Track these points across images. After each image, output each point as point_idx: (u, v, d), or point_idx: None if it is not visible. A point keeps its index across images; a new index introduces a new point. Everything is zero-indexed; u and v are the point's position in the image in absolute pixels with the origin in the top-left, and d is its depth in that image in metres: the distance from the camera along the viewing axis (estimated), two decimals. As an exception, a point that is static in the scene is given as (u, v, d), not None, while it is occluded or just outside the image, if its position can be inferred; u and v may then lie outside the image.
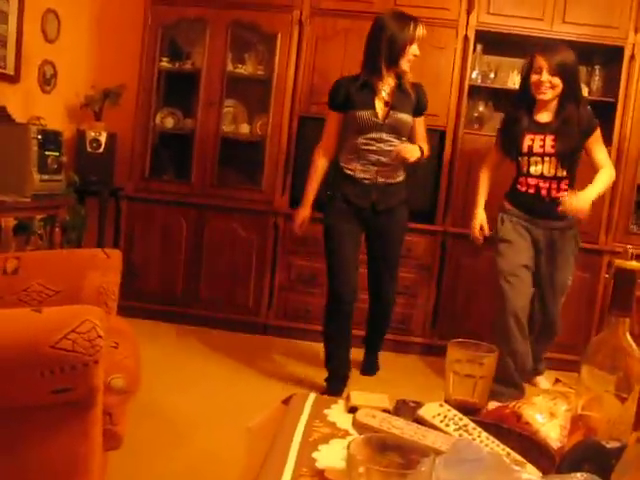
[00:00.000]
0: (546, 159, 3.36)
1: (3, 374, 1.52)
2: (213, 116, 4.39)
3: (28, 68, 4.21)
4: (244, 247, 4.33)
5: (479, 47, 4.35)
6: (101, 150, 4.41)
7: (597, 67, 4.37)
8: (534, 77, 3.33)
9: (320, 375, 3.66)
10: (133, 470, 2.43)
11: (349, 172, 3.41)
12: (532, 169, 3.39)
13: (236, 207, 4.32)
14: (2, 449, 1.60)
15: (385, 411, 1.41)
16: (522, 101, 3.45)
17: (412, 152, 3.37)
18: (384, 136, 3.35)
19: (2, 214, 3.42)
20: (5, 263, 2.33)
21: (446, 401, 1.35)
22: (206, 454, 2.67)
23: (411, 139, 3.50)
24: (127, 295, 3.87)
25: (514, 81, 4.39)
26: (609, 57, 4.30)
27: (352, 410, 1.42)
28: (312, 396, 1.49)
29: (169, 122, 4.56)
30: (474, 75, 4.36)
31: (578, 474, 0.93)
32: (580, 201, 3.25)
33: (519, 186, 3.46)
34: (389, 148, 3.36)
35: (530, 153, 3.38)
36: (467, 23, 4.21)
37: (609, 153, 4.16)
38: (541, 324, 3.70)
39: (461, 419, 1.22)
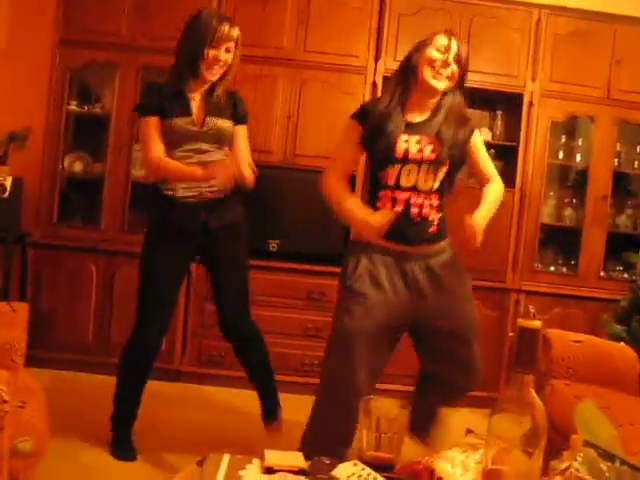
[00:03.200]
0: (423, 167, 2.59)
1: None
2: (123, 160, 4.33)
3: None
4: (156, 293, 4.26)
5: (387, 92, 4.46)
6: (6, 195, 4.27)
7: (499, 113, 4.56)
8: (434, 54, 2.60)
9: (237, 423, 3.63)
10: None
11: (169, 193, 2.94)
12: (403, 179, 2.61)
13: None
14: None
15: (300, 470, 1.42)
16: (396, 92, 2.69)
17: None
18: (204, 146, 2.92)
19: None
20: None
21: (360, 458, 1.36)
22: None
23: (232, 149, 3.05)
24: (36, 345, 3.75)
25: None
26: (510, 103, 4.50)
27: (267, 470, 1.42)
28: (226, 457, 1.47)
29: (78, 166, 4.47)
30: (383, 120, 4.45)
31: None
32: (478, 225, 2.58)
33: (379, 203, 2.65)
34: (211, 159, 2.91)
35: (405, 159, 2.59)
36: (375, 69, 4.33)
37: (512, 196, 4.38)
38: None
39: (375, 478, 1.24)
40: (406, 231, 2.60)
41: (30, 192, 4.39)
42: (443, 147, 2.59)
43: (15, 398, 1.86)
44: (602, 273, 4.49)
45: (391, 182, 2.61)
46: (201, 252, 3.10)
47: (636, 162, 4.62)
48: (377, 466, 1.32)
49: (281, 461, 1.43)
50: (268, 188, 4.15)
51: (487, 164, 2.81)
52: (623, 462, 1.00)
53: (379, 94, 4.32)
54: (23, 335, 2.40)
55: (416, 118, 2.66)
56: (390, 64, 4.30)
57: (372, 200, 2.68)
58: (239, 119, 3.07)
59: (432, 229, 2.64)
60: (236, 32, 2.91)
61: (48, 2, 4.35)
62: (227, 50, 2.91)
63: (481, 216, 2.62)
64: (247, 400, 4.03)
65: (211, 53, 2.86)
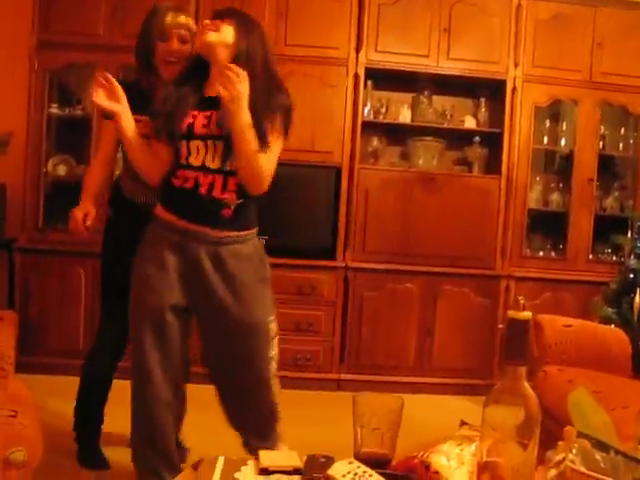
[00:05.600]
0: (210, 144, 2.37)
1: None
2: (107, 161, 4.30)
3: None
4: (146, 294, 4.23)
5: (369, 83, 4.45)
6: (-10, 201, 4.25)
7: (483, 100, 4.56)
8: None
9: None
10: None
11: (127, 195, 2.85)
12: (192, 158, 2.38)
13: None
14: None
15: (296, 470, 1.41)
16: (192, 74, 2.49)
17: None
18: None
19: None
20: None
21: (355, 455, 1.36)
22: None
23: None
24: (26, 351, 3.74)
25: (405, 115, 4.52)
26: (493, 90, 4.50)
27: (263, 471, 1.41)
28: (221, 459, 1.46)
29: (62, 169, 4.44)
30: (366, 111, 4.45)
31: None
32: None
33: (174, 180, 2.42)
34: None
35: (190, 135, 2.38)
36: (357, 61, 4.31)
37: (499, 182, 4.39)
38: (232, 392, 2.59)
39: (371, 475, 1.23)
40: (193, 208, 2.39)
41: (14, 197, 4.36)
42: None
43: (6, 407, 1.84)
44: (591, 256, 4.51)
45: (182, 160, 2.41)
46: None
47: (621, 144, 4.63)
48: (373, 462, 1.31)
49: (276, 461, 1.42)
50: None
51: None
52: (618, 452, 0.99)
53: (361, 85, 4.32)
54: (11, 343, 2.37)
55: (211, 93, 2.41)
56: (371, 55, 4.30)
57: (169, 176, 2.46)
58: None
59: (226, 212, 2.40)
60: (183, 19, 2.65)
61: (25, 5, 4.30)
62: (182, 40, 2.63)
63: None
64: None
65: (162, 47, 2.62)
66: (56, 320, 4.25)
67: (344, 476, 1.21)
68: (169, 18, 2.63)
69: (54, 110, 4.42)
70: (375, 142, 4.58)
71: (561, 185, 4.63)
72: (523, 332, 1.13)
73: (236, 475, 1.40)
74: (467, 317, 4.38)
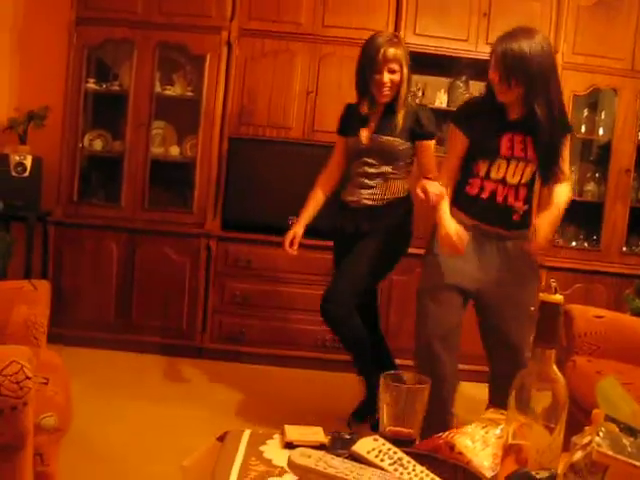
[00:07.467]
0: (512, 163, 2.71)
1: None
2: (142, 138, 4.34)
3: (-52, 91, 4.09)
4: (176, 270, 4.26)
5: (406, 67, 4.42)
6: (26, 174, 4.30)
7: (520, 86, 4.49)
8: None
9: (257, 398, 3.65)
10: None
11: (342, 197, 3.35)
12: (493, 173, 2.74)
13: (167, 230, 4.26)
14: None
15: (321, 445, 1.42)
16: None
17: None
18: (369, 160, 3.22)
19: None
20: None
21: (380, 433, 1.36)
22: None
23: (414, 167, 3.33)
24: (58, 323, 3.79)
25: (441, 100, 4.49)
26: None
27: (288, 445, 1.42)
28: (247, 432, 1.48)
29: (97, 144, 4.48)
30: (402, 94, 4.42)
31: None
32: (543, 239, 2.64)
33: (468, 188, 2.81)
34: (374, 171, 3.22)
35: (496, 154, 2.72)
36: (394, 44, 4.27)
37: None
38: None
39: (395, 452, 1.23)
40: (489, 214, 2.79)
41: (50, 171, 4.41)
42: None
43: (38, 374, 1.87)
44: (624, 248, 4.45)
45: (482, 173, 2.78)
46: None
47: (660, 135, 4.54)
48: (397, 441, 1.31)
49: (302, 436, 1.43)
50: (287, 164, 4.16)
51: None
52: (646, 437, 0.99)
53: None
54: (45, 312, 2.41)
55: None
56: (410, 38, 4.26)
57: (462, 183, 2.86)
58: (420, 135, 3.21)
59: (516, 217, 2.79)
60: (392, 52, 3.10)
61: (65, -19, 4.34)
62: (391, 71, 3.11)
63: (547, 227, 2.70)
64: (267, 376, 4.08)
65: (376, 77, 3.12)
66: (88, 293, 4.31)
67: (369, 452, 1.22)
68: (381, 53, 3.09)
69: (91, 85, 4.45)
70: (410, 126, 4.54)
71: (597, 175, 4.56)
72: (554, 315, 1.13)
73: (261, 448, 1.41)
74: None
